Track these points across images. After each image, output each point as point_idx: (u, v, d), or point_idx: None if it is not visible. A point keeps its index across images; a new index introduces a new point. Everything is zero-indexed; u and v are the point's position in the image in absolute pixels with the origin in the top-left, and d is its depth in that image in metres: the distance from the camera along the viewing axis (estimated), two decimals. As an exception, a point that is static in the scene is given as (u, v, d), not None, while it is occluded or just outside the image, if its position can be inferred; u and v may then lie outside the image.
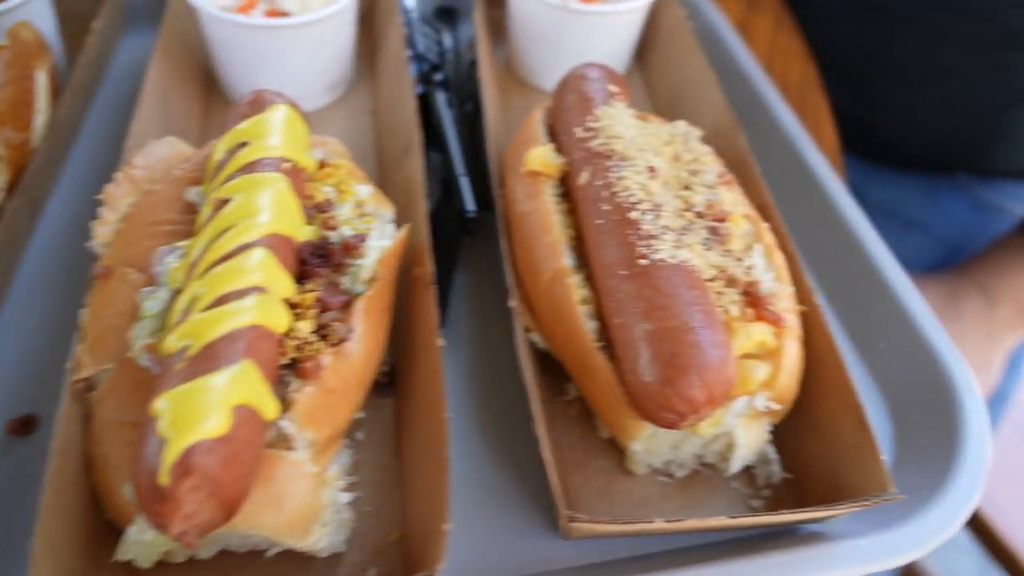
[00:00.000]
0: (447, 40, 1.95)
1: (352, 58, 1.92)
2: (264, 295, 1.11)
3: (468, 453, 1.31)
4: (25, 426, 1.29)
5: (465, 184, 1.57)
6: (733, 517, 1.09)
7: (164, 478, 0.91)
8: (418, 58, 1.89)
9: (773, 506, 1.28)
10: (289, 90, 1.79)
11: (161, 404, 0.97)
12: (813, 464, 1.29)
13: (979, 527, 2.75)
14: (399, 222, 1.45)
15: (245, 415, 0.99)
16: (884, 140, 2.64)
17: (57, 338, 1.42)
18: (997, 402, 2.56)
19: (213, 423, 0.95)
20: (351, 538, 1.20)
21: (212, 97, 1.93)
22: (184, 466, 0.91)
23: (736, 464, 1.25)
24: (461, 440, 1.32)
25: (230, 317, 1.06)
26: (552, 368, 1.38)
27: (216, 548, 1.14)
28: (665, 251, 1.21)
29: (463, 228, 1.55)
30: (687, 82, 1.87)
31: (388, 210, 1.43)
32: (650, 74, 2.07)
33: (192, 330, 1.05)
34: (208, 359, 1.01)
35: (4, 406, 1.32)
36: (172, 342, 1.06)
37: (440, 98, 1.78)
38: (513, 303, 1.31)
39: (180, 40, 1.86)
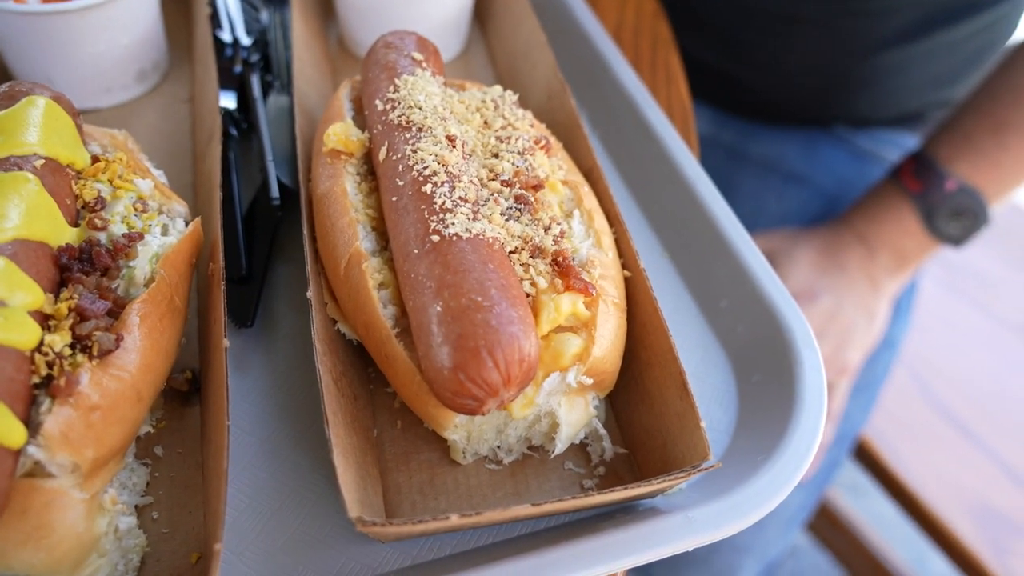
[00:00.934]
0: (264, 17, 1.83)
1: (162, 43, 1.78)
2: (2, 309, 0.99)
3: (275, 458, 1.21)
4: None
5: (271, 170, 1.45)
6: (536, 504, 1.01)
7: None
8: (235, 40, 1.76)
9: (607, 484, 1.22)
10: (92, 83, 1.67)
11: None
12: (646, 437, 1.23)
13: (883, 476, 2.78)
14: (201, 215, 1.34)
15: (-26, 446, 0.88)
16: (757, 95, 2.61)
17: None
18: (886, 349, 2.57)
19: (-77, 459, 0.83)
20: (145, 562, 1.09)
21: (11, 97, 1.77)
22: None
23: (561, 444, 1.18)
24: (267, 445, 1.22)
25: (-46, 338, 0.93)
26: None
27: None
28: (459, 225, 1.12)
29: (272, 218, 1.44)
30: (523, 47, 1.78)
31: (177, 204, 1.31)
32: (491, 42, 1.98)
33: (-94, 356, 0.92)
34: (-77, 389, 0.89)
35: None
36: None
37: (255, 81, 1.66)
38: (310, 293, 1.21)
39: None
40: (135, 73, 1.72)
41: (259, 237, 1.45)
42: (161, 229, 1.24)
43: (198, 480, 1.19)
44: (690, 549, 1.11)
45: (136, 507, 1.14)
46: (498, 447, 1.22)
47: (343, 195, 1.25)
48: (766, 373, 1.33)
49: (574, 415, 1.18)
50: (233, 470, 1.17)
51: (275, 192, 1.42)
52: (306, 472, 1.20)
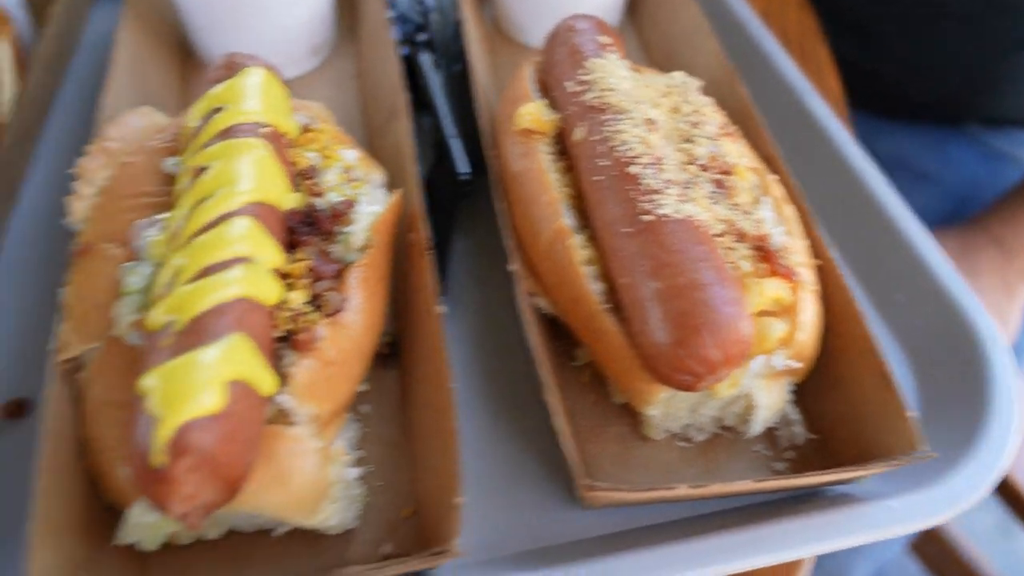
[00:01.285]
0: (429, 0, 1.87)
1: (332, 18, 1.84)
2: (251, 266, 1.04)
3: (477, 425, 1.26)
4: (18, 409, 1.23)
5: (456, 146, 1.49)
6: (759, 480, 1.04)
7: (158, 458, 0.85)
8: (401, 19, 1.81)
9: (797, 468, 1.23)
10: (270, 55, 1.71)
11: (149, 382, 0.91)
12: (838, 424, 1.24)
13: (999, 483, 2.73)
14: (390, 188, 1.39)
15: (241, 391, 0.93)
16: (891, 90, 2.57)
17: (45, 319, 1.35)
18: (1015, 356, 2.52)
19: (207, 400, 0.89)
20: (363, 514, 1.15)
21: (189, 66, 1.85)
22: (179, 445, 0.85)
23: (757, 426, 1.20)
24: (469, 412, 1.27)
25: (215, 290, 0.99)
26: (561, 332, 1.32)
27: (223, 528, 1.09)
28: (669, 206, 1.14)
29: (458, 192, 1.48)
30: (682, 33, 1.79)
31: (378, 175, 1.36)
32: (643, 27, 1.99)
33: (175, 304, 0.98)
34: (195, 334, 0.95)
35: (-6, 390, 1.26)
36: (156, 317, 0.99)
37: (425, 60, 1.70)
38: (513, 267, 1.25)
39: (150, 7, 1.77)
40: (309, 47, 1.78)
41: (439, 209, 1.49)
42: (369, 198, 1.29)
43: (403, 439, 1.24)
44: (891, 537, 1.12)
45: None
46: (689, 425, 1.25)
47: (542, 173, 1.29)
48: (950, 369, 1.33)
49: (771, 398, 1.20)
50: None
51: (463, 167, 1.45)
52: (509, 437, 1.24)
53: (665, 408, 1.20)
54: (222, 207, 1.07)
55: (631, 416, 1.28)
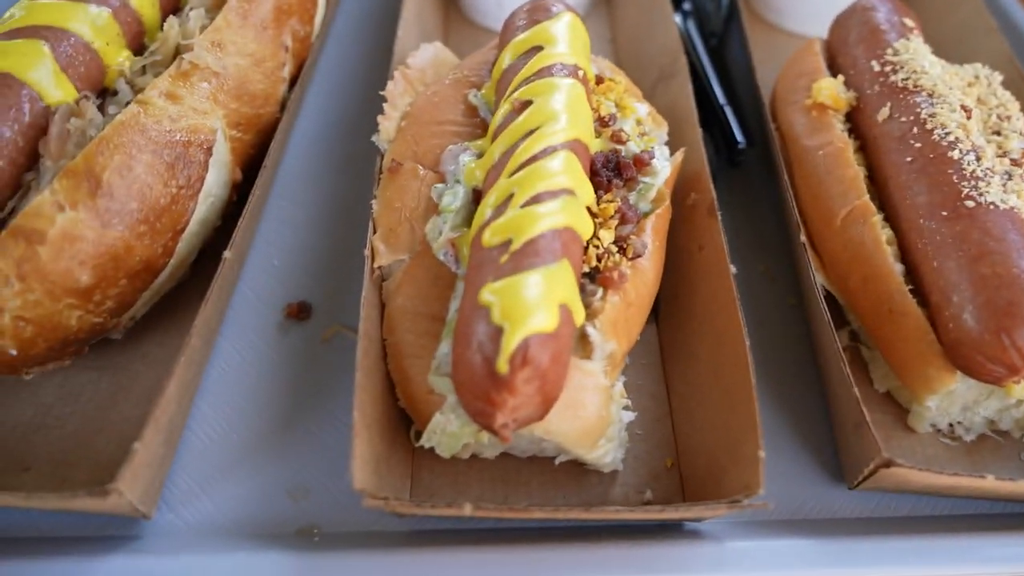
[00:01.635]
0: (693, -31, 1.86)
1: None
2: (572, 198, 1.07)
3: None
4: (302, 311, 1.31)
5: (731, 114, 1.49)
6: (1065, 484, 1.00)
7: (503, 366, 0.89)
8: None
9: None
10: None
11: (488, 295, 0.95)
12: (1120, 444, 1.18)
13: None
14: (685, 147, 1.40)
15: (566, 315, 0.97)
16: None
17: (323, 230, 1.44)
18: None
19: (545, 318, 0.92)
20: (626, 459, 1.17)
21: (450, 13, 1.91)
22: (523, 356, 0.89)
23: (1042, 432, 1.16)
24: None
25: (547, 216, 1.02)
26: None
27: (501, 449, 1.13)
28: (993, 195, 1.11)
29: (729, 160, 1.48)
30: (959, 29, 1.73)
31: (663, 131, 1.38)
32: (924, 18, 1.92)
33: (511, 226, 1.02)
34: (531, 254, 0.99)
35: (281, 292, 1.34)
36: (489, 237, 1.04)
37: (692, 28, 1.70)
38: (803, 239, 1.24)
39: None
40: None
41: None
42: (660, 152, 1.30)
43: (663, 393, 1.25)
44: None
45: (619, 406, 1.22)
46: (959, 423, 1.22)
47: (845, 148, 1.27)
48: None
49: (1058, 406, 1.15)
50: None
51: (740, 136, 1.45)
52: (773, 408, 1.24)
53: (940, 401, 1.17)
54: (547, 140, 1.11)
55: (893, 405, 1.25)
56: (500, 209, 1.06)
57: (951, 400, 1.18)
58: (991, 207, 1.10)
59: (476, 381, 0.91)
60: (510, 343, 0.90)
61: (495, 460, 1.16)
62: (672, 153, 1.36)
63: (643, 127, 1.32)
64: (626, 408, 1.19)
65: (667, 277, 1.33)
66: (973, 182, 1.13)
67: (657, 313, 1.34)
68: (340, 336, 1.30)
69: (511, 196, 1.06)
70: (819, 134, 1.32)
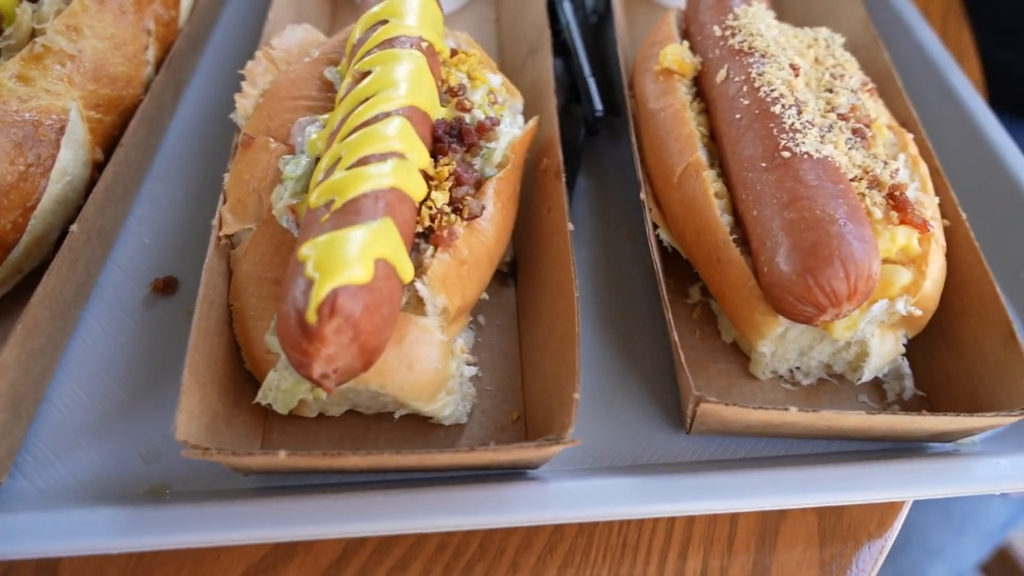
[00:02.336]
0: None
1: (478, -36, 1.91)
2: (403, 160, 1.11)
3: (588, 345, 1.30)
4: (168, 286, 1.34)
5: (592, 85, 1.54)
6: (872, 413, 1.05)
7: (311, 316, 0.93)
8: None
9: (903, 422, 1.23)
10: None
11: (307, 250, 0.99)
12: (949, 383, 1.23)
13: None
14: (527, 117, 1.44)
15: (385, 270, 1.01)
16: None
17: (196, 209, 1.47)
18: None
19: (357, 271, 0.96)
20: (473, 413, 1.21)
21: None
22: (330, 306, 0.93)
23: (868, 373, 1.21)
24: (583, 331, 1.31)
25: (372, 177, 1.06)
26: (675, 271, 1.36)
27: (346, 407, 1.17)
28: (809, 145, 1.16)
29: (589, 129, 1.53)
30: (827, -1, 1.79)
31: (518, 101, 1.42)
32: (782, -7, 1.99)
33: (335, 187, 1.06)
34: (351, 213, 1.03)
35: (149, 268, 1.38)
36: (315, 198, 1.08)
37: (567, 7, 1.75)
38: (643, 196, 1.29)
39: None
40: (454, -11, 1.86)
41: (569, 147, 1.54)
42: (509, 120, 1.35)
43: (515, 351, 1.30)
44: (996, 493, 1.12)
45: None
46: (798, 368, 1.27)
47: (682, 109, 1.32)
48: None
49: (884, 348, 1.21)
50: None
51: (598, 104, 1.50)
52: (618, 360, 1.29)
53: (776, 347, 1.22)
54: (381, 107, 1.15)
55: (739, 355, 1.30)
56: (330, 172, 1.10)
57: (786, 346, 1.23)
58: (805, 156, 1.15)
59: (290, 333, 0.95)
60: (319, 294, 0.94)
61: (343, 418, 1.20)
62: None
63: (495, 96, 1.37)
64: (469, 364, 1.23)
65: (523, 241, 1.39)
66: (791, 134, 1.18)
67: (516, 276, 1.39)
68: (200, 304, 1.33)
69: (340, 159, 1.11)
70: (664, 97, 1.37)
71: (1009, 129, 2.51)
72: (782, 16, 1.92)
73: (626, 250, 1.46)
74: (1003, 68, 2.26)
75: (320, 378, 0.96)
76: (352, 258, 0.97)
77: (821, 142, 1.18)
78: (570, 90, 1.65)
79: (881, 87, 1.51)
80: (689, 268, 1.34)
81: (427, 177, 1.18)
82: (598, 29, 1.81)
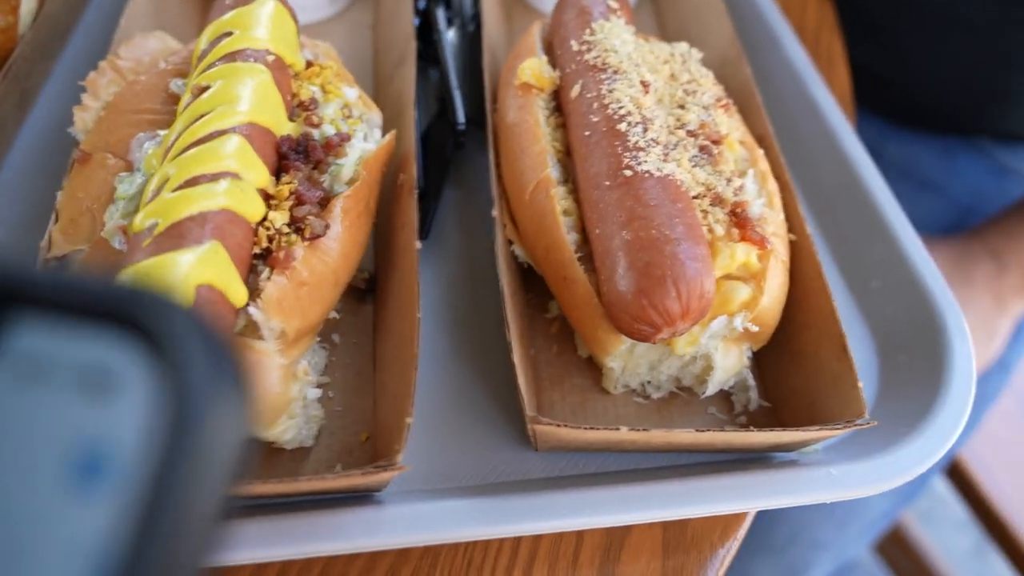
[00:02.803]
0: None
1: (354, -30, 1.88)
2: (237, 181, 1.09)
3: (442, 362, 1.30)
4: (-2, 308, 1.28)
5: (458, 97, 1.53)
6: (700, 431, 1.07)
7: (122, 347, 0.90)
8: (421, -26, 1.84)
9: (749, 433, 1.26)
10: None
11: (124, 279, 0.96)
12: (792, 395, 1.27)
13: (975, 501, 2.73)
14: (387, 130, 1.43)
15: (210, 296, 0.98)
16: (902, 96, 2.57)
17: (34, 230, 1.41)
18: (1000, 371, 2.51)
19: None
20: (320, 435, 1.19)
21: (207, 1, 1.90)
22: (142, 337, 0.90)
23: (712, 387, 1.23)
24: (436, 349, 1.31)
25: (200, 199, 1.04)
26: (536, 285, 1.36)
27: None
28: (651, 163, 1.18)
29: (454, 142, 1.52)
30: (696, 10, 1.82)
31: (376, 115, 1.40)
32: (660, 3, 2.01)
33: (160, 209, 1.03)
34: (174, 237, 1.00)
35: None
36: (140, 221, 1.04)
37: (440, 14, 1.74)
38: (495, 213, 1.29)
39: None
40: (328, -5, 1.82)
41: (435, 159, 1.53)
42: (364, 135, 1.33)
43: (369, 370, 1.28)
44: (827, 501, 1.15)
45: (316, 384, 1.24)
46: (648, 382, 1.28)
47: (535, 125, 1.32)
48: (913, 355, 1.35)
49: (728, 361, 1.23)
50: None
51: (461, 118, 1.49)
52: (472, 378, 1.28)
53: (625, 362, 1.24)
54: (217, 124, 1.12)
55: (593, 370, 1.31)
56: (158, 193, 1.07)
57: (635, 361, 1.25)
58: (646, 175, 1.16)
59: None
60: (130, 324, 0.90)
61: (181, 444, 1.16)
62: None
63: (350, 111, 1.34)
64: (323, 387, 1.22)
65: (381, 258, 1.37)
66: (635, 152, 1.19)
67: (375, 292, 1.38)
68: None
69: (168, 179, 1.07)
70: (520, 112, 1.37)
71: (882, 136, 2.61)
72: (660, 31, 1.95)
73: (489, 265, 1.45)
74: (869, 70, 2.34)
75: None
76: (170, 285, 0.94)
77: (664, 160, 1.19)
78: (443, 100, 1.64)
79: (741, 102, 1.53)
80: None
81: (267, 197, 1.15)
82: (475, 37, 1.80)
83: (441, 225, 1.50)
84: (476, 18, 1.84)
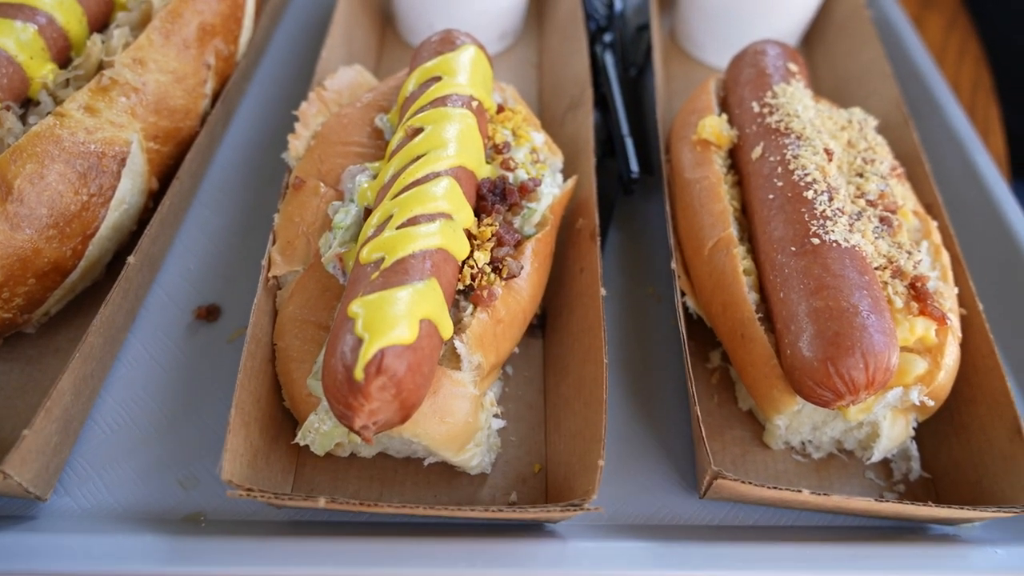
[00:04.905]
0: (618, 3, 1.96)
1: (525, 9, 1.96)
2: (450, 222, 1.17)
3: (609, 405, 1.35)
4: (210, 313, 1.40)
5: (630, 145, 1.59)
6: (879, 500, 1.10)
7: (359, 374, 0.98)
8: (587, 17, 1.91)
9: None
10: (465, 35, 1.85)
11: (356, 308, 1.04)
12: (955, 468, 1.28)
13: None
14: (565, 173, 1.50)
15: (428, 329, 1.06)
16: None
17: (239, 237, 1.53)
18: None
19: (403, 331, 1.01)
20: (496, 463, 1.26)
21: (387, 34, 2.00)
22: (377, 366, 0.98)
23: (878, 454, 1.26)
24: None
25: (420, 237, 1.12)
26: (697, 335, 1.41)
27: (377, 450, 1.23)
28: (838, 233, 1.21)
29: (623, 188, 1.58)
30: (860, 71, 1.84)
31: (558, 159, 1.47)
32: (815, 59, 2.04)
33: (386, 245, 1.12)
34: (400, 272, 1.08)
35: (193, 293, 1.43)
36: (366, 254, 1.13)
37: (609, 60, 1.80)
38: (674, 265, 1.34)
39: (367, -25, 1.94)
40: (499, 33, 1.91)
41: (601, 202, 1.59)
42: (549, 180, 1.40)
43: (540, 403, 1.35)
44: (991, 582, 1.16)
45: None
46: (809, 441, 1.32)
47: (717, 183, 1.37)
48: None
49: (895, 431, 1.25)
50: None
51: (634, 166, 1.55)
52: (638, 419, 1.34)
53: (790, 421, 1.27)
54: (431, 166, 1.20)
55: (753, 423, 1.35)
56: (380, 228, 1.16)
57: (800, 420, 1.28)
58: (834, 245, 1.20)
59: (337, 386, 1.00)
60: (367, 353, 0.99)
61: (373, 459, 1.25)
62: (568, 180, 1.47)
63: (537, 155, 1.42)
64: (496, 416, 1.29)
65: (554, 296, 1.44)
66: (822, 221, 1.23)
67: (545, 329, 1.44)
68: (244, 338, 1.38)
69: (391, 217, 1.16)
70: (699, 168, 1.42)
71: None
72: (817, 87, 1.98)
73: (651, 309, 1.51)
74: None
75: (361, 429, 1.01)
76: (399, 319, 1.02)
77: (850, 230, 1.23)
78: (605, 143, 1.70)
79: (909, 169, 1.56)
80: (711, 333, 1.40)
81: (470, 236, 1.23)
82: (636, 82, 1.86)
83: (604, 266, 1.55)
84: (635, 64, 1.90)
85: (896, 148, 1.61)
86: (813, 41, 2.07)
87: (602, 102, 1.75)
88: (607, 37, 1.87)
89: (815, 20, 2.05)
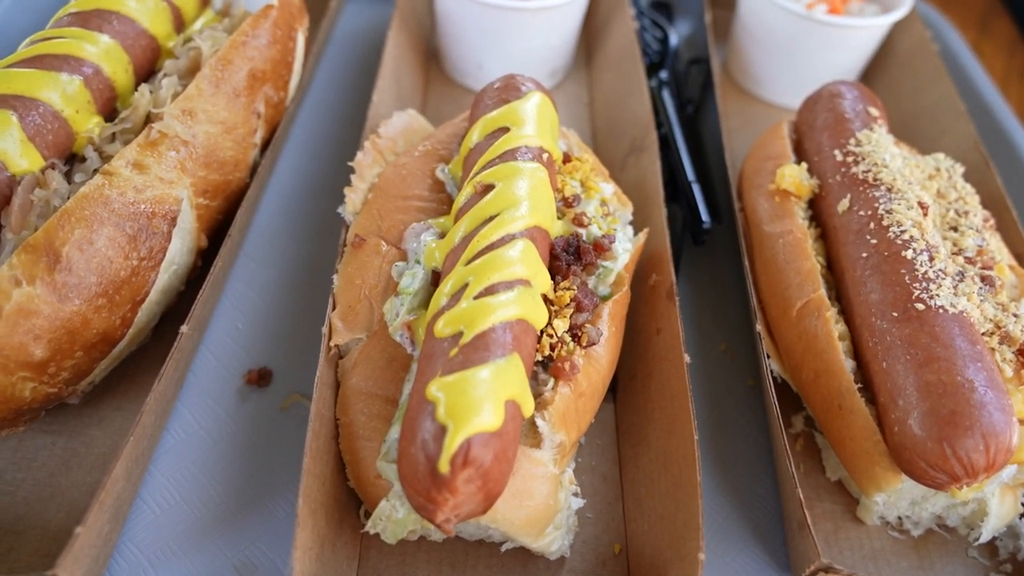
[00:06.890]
0: (673, 38, 1.89)
1: (575, 47, 1.88)
2: (528, 289, 1.09)
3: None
4: (262, 378, 1.32)
5: (698, 192, 1.51)
6: (998, 587, 1.01)
7: (444, 467, 0.90)
8: (647, 56, 1.84)
9: (1015, 583, 1.19)
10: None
11: (436, 391, 0.96)
12: (1064, 546, 1.19)
13: None
14: (648, 227, 1.41)
15: (512, 411, 0.97)
16: None
17: (288, 293, 1.45)
18: None
19: (489, 417, 0.93)
20: (574, 544, 1.18)
21: (432, 72, 1.93)
22: (463, 457, 0.90)
23: (987, 534, 1.17)
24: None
25: (500, 308, 1.04)
26: (777, 397, 1.32)
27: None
28: (943, 298, 1.13)
29: (694, 238, 1.50)
30: (930, 108, 1.75)
31: (628, 211, 1.39)
32: (878, 94, 1.95)
33: (464, 318, 1.03)
34: (480, 348, 1.00)
35: (242, 355, 1.35)
36: (441, 327, 1.05)
37: (667, 98, 1.72)
38: (759, 328, 1.25)
39: (413, 13, 1.86)
40: (549, 71, 1.83)
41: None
42: (622, 234, 1.32)
43: (615, 474, 1.26)
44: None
45: (569, 489, 1.22)
46: (908, 516, 1.23)
47: (803, 240, 1.29)
48: None
49: (1004, 508, 1.16)
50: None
51: (705, 216, 1.47)
52: (722, 494, 1.25)
53: (888, 496, 1.18)
54: (506, 227, 1.12)
55: (843, 494, 1.26)
56: (455, 297, 1.07)
57: (899, 495, 1.19)
58: (940, 311, 1.11)
59: (418, 478, 0.92)
60: (452, 444, 0.90)
61: (443, 543, 1.16)
62: (636, 231, 1.38)
63: (607, 207, 1.34)
64: (575, 495, 1.20)
65: (626, 357, 1.35)
66: (925, 283, 1.14)
67: (616, 392, 1.36)
68: (298, 405, 1.30)
69: (466, 285, 1.08)
70: (780, 221, 1.34)
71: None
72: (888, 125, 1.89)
73: (724, 366, 1.42)
74: None
75: (442, 523, 0.93)
76: (484, 403, 0.94)
77: (955, 294, 1.14)
78: (665, 186, 1.62)
79: (995, 215, 1.47)
80: (791, 394, 1.31)
81: (547, 301, 1.15)
82: (693, 120, 1.78)
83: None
84: (692, 101, 1.82)
85: (978, 191, 1.53)
86: (874, 76, 1.99)
87: (662, 142, 1.67)
88: (663, 74, 1.80)
89: (876, 54, 1.97)
